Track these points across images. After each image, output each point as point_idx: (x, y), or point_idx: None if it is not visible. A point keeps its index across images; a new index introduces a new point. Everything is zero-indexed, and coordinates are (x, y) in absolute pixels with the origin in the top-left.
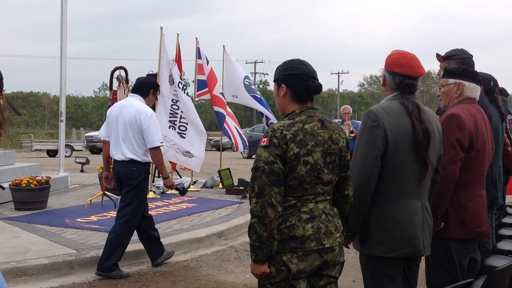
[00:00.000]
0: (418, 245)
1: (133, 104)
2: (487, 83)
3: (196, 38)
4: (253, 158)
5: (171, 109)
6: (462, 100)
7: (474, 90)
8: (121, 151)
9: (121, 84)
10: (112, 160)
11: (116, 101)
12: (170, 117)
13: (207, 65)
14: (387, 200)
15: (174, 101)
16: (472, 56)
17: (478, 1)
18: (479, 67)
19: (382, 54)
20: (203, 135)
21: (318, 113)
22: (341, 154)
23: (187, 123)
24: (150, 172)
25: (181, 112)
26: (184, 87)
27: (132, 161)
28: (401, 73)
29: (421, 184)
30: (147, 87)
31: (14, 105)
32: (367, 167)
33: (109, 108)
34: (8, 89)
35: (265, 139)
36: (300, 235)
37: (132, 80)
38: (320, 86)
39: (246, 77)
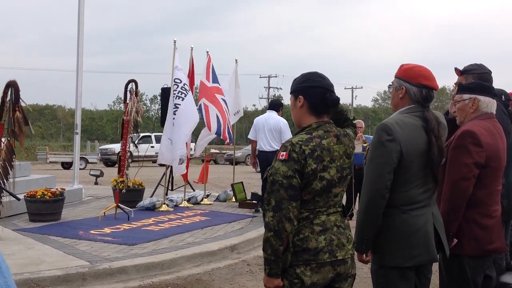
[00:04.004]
0: (432, 252)
1: (275, 116)
2: (499, 97)
3: (207, 52)
4: None
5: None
6: (478, 115)
7: (489, 104)
8: (270, 145)
9: (132, 96)
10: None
11: (127, 113)
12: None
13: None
14: (402, 210)
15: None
16: (490, 71)
17: (492, 19)
18: (497, 83)
19: (396, 69)
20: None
21: (334, 127)
22: (352, 166)
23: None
24: (164, 185)
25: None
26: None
27: (277, 150)
28: (428, 86)
29: (432, 193)
30: (280, 106)
31: (27, 117)
32: (381, 180)
33: (256, 119)
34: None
35: (284, 153)
36: (313, 247)
37: (141, 92)
38: (337, 99)
39: None
